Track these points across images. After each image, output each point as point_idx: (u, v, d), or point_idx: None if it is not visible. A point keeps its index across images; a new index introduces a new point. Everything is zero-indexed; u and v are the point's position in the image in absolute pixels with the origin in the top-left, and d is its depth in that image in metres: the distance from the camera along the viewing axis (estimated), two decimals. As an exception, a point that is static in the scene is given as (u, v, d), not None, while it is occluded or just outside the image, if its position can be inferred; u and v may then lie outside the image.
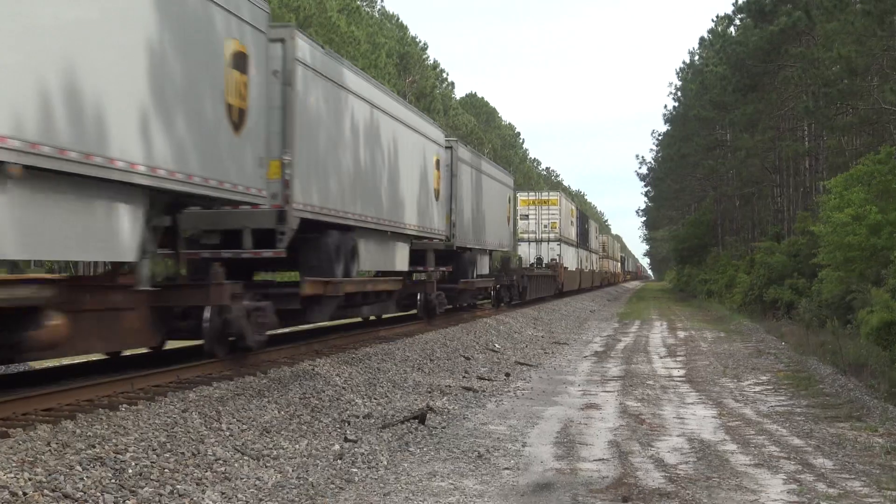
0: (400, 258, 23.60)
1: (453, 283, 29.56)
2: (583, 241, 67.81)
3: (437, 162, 26.64)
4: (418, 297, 26.17)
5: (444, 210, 27.51)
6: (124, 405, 10.75)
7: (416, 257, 25.39)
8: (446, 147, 28.23)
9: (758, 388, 17.83)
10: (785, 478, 10.24)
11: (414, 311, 26.53)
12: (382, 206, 21.21)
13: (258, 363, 15.14)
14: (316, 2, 56.97)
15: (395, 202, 22.31)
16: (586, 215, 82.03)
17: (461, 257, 30.07)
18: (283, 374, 14.34)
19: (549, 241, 54.60)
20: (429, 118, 28.09)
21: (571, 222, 60.59)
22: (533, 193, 57.83)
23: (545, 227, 54.84)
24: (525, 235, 54.49)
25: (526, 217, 54.68)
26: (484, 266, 35.07)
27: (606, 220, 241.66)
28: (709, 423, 13.71)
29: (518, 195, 52.67)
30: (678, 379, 19.47)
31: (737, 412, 14.87)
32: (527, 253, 53.84)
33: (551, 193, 58.20)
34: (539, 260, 53.60)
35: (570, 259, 59.20)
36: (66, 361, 13.65)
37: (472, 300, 33.46)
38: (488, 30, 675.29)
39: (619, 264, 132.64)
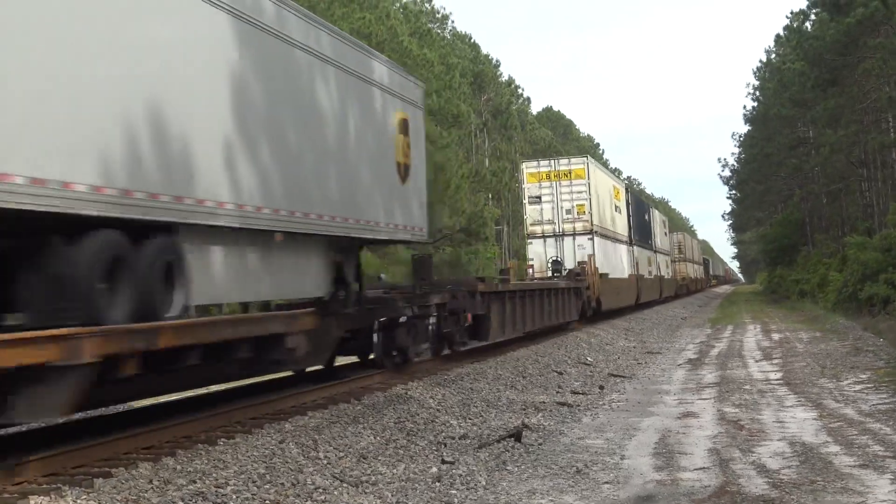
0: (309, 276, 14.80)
1: None
2: (641, 236, 52.17)
3: (404, 123, 18.35)
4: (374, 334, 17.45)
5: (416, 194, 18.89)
6: (222, 439, 10.88)
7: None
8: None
9: (858, 387, 17.49)
10: (892, 477, 10.02)
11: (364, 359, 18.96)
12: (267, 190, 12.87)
13: (352, 390, 15.24)
14: (387, 27, 57.39)
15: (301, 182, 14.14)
16: (646, 203, 66.27)
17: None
18: (376, 400, 14.41)
19: (574, 233, 37.65)
20: (390, 62, 18.98)
21: (616, 208, 44.92)
22: (545, 162, 39.48)
23: (567, 213, 37.80)
24: (537, 228, 38.13)
25: (538, 200, 38.12)
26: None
27: (692, 226, 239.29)
28: (809, 426, 13.48)
29: (524, 166, 39.70)
30: (775, 382, 19.17)
31: (838, 413, 14.59)
32: (541, 254, 37.92)
33: (573, 161, 38.93)
34: (558, 263, 37.38)
35: (616, 261, 43.06)
36: (162, 400, 13.84)
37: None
38: (561, 43, 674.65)
39: (703, 268, 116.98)
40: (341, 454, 11.03)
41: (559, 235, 37.62)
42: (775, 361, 23.54)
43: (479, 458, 11.64)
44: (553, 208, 37.79)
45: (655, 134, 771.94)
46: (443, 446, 12.24)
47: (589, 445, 12.54)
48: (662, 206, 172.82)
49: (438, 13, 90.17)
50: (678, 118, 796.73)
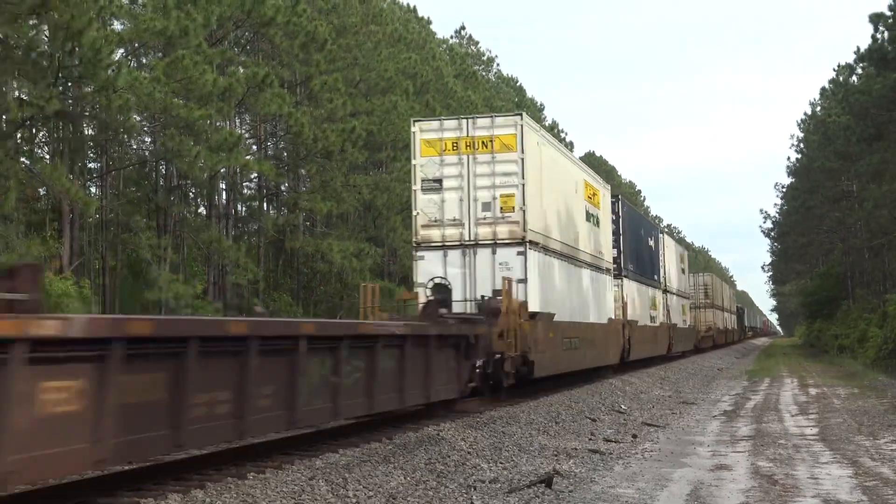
0: None
1: None
2: (640, 267, 41.32)
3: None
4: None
5: None
6: (252, 473, 10.89)
7: None
8: None
9: (895, 446, 17.27)
10: (927, 540, 9.87)
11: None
12: None
13: (383, 429, 15.23)
14: (433, 68, 57.81)
15: None
16: (652, 224, 53.76)
17: None
18: (408, 440, 14.38)
19: (495, 244, 23.39)
20: None
21: (590, 216, 31.51)
22: (453, 123, 24.36)
23: (484, 207, 23.59)
24: (434, 232, 23.71)
25: (437, 186, 23.75)
26: None
27: (732, 276, 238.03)
28: (845, 483, 13.31)
29: (418, 128, 24.18)
30: (811, 437, 18.97)
31: (874, 471, 14.41)
32: (433, 274, 23.46)
33: (497, 121, 24.12)
34: (444, 289, 23.16)
35: (580, 296, 29.26)
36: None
37: None
38: (605, 90, 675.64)
39: (737, 318, 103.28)
40: (371, 493, 11.00)
41: (468, 245, 23.37)
42: (811, 416, 23.31)
43: (509, 502, 11.58)
44: (461, 200, 23.53)
45: (698, 183, 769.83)
46: (472, 489, 12.18)
47: (620, 494, 12.44)
48: (702, 255, 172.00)
49: (484, 56, 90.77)
50: (720, 167, 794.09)
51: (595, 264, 31.84)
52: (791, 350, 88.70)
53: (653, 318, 43.95)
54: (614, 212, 36.82)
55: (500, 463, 14.41)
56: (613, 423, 21.10)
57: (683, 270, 59.38)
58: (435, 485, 12.08)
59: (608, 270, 34.13)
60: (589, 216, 31.38)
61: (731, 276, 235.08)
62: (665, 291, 48.68)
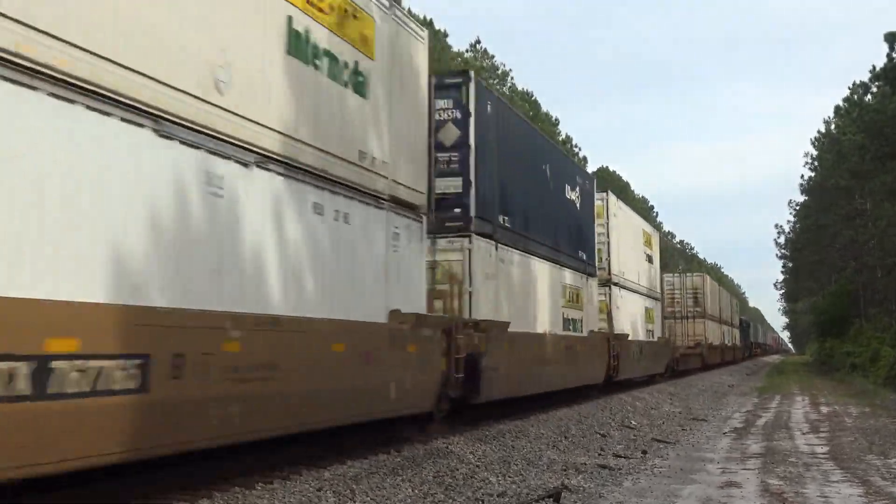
0: None
1: None
2: (529, 225, 23.64)
3: None
4: None
5: None
6: (260, 483, 10.88)
7: None
8: None
9: (906, 466, 17.18)
10: (938, 560, 9.81)
11: None
12: None
13: (390, 442, 15.20)
14: (447, 81, 57.75)
15: None
16: (566, 156, 34.63)
17: None
18: (416, 453, 14.36)
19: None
20: None
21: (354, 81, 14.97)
22: None
23: None
24: None
25: None
26: None
27: (744, 293, 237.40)
28: (854, 502, 13.24)
29: None
30: (822, 456, 18.88)
31: (884, 491, 14.33)
32: None
33: None
34: None
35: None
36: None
37: None
38: (619, 106, 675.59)
39: (739, 332, 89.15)
40: (378, 506, 10.98)
41: None
42: (822, 435, 23.20)
43: (517, 517, 11.54)
44: None
45: (711, 199, 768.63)
46: (480, 503, 12.15)
47: (628, 510, 12.40)
48: (715, 271, 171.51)
49: (499, 69, 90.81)
50: (732, 185, 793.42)
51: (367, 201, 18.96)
52: (802, 367, 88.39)
53: (571, 323, 27.66)
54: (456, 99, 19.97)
55: (509, 477, 14.36)
56: (623, 439, 21.03)
57: (650, 259, 41.63)
58: (443, 497, 12.05)
59: (411, 215, 20.55)
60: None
61: (744, 293, 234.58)
62: (611, 284, 33.71)
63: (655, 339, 40.33)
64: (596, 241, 30.68)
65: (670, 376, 44.77)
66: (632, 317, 31.15)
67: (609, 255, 32.41)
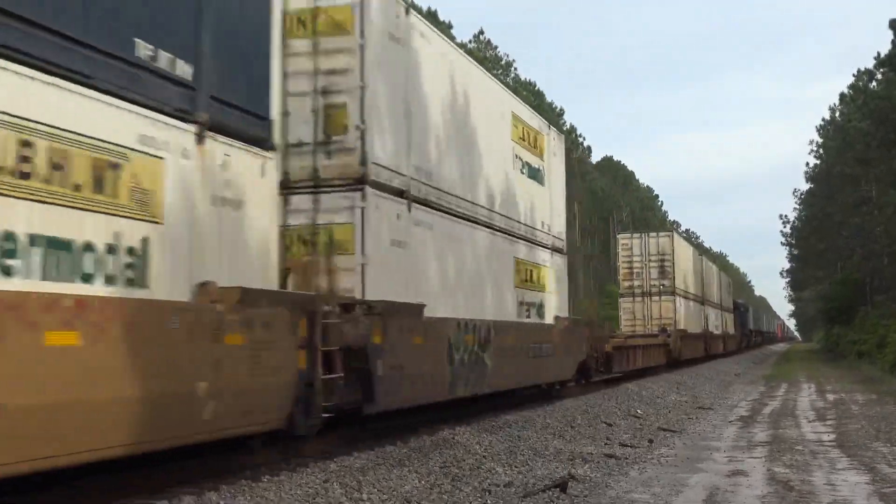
0: None
1: None
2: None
3: None
4: None
5: None
6: (266, 476, 10.88)
7: None
8: None
9: (913, 453, 17.16)
10: (945, 547, 9.80)
11: None
12: None
13: (397, 433, 15.20)
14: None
15: None
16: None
17: None
18: (423, 444, 14.36)
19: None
20: None
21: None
22: None
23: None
24: None
25: None
26: None
27: (750, 281, 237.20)
28: (861, 490, 13.22)
29: None
30: (828, 444, 18.86)
31: (891, 478, 14.31)
32: None
33: None
34: None
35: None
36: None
37: None
38: (624, 97, 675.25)
39: (732, 317, 76.89)
40: (385, 497, 10.98)
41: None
42: (829, 422, 23.19)
43: (523, 507, 11.54)
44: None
45: (716, 187, 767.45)
46: (487, 493, 12.14)
47: (635, 500, 12.39)
48: (721, 260, 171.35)
49: (502, 60, 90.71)
50: (738, 173, 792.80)
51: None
52: (809, 355, 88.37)
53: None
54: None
55: (515, 467, 14.36)
56: (629, 428, 21.03)
57: (537, 174, 24.38)
58: (450, 488, 12.05)
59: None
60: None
61: (750, 282, 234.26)
62: (391, 194, 16.07)
63: (550, 320, 24.63)
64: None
65: (672, 367, 39.83)
66: (470, 276, 18.96)
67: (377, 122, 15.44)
